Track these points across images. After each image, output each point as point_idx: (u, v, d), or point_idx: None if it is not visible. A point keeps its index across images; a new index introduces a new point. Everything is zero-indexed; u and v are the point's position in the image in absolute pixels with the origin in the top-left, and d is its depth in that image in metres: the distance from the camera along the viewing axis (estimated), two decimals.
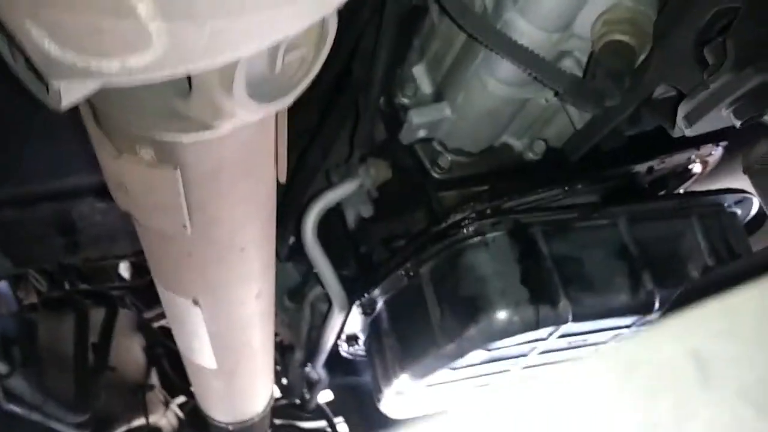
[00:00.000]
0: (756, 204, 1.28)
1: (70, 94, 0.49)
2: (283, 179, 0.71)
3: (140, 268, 2.43)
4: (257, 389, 1.25)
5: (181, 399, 2.15)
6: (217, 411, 1.32)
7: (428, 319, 1.16)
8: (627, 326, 1.18)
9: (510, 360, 1.22)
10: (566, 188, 1.18)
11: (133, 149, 0.61)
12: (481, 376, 1.27)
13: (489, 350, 1.12)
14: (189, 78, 0.50)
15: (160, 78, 0.43)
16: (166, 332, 2.22)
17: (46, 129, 1.13)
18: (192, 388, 1.33)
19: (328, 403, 2.39)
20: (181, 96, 0.52)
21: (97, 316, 1.66)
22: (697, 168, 1.33)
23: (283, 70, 0.51)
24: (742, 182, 1.41)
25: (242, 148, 0.63)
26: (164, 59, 0.41)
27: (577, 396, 0.25)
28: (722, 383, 0.26)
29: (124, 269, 2.44)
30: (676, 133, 0.87)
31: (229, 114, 0.50)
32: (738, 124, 0.74)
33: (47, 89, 0.49)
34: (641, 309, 1.13)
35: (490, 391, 0.27)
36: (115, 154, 0.62)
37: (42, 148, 1.13)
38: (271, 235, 0.81)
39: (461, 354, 1.12)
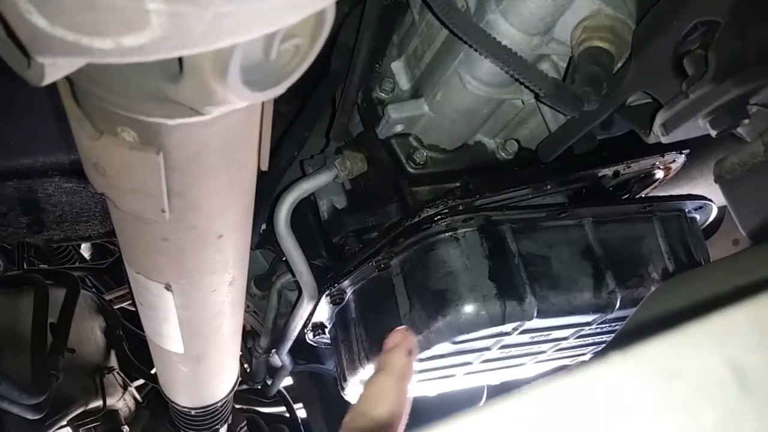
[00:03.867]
0: (714, 210, 1.34)
1: (53, 70, 0.47)
2: (265, 167, 0.71)
3: (101, 248, 2.39)
4: (223, 375, 1.24)
5: (140, 382, 2.12)
6: (181, 396, 1.31)
7: (397, 311, 1.17)
8: (588, 323, 1.22)
9: (473, 353, 1.25)
10: (535, 188, 1.21)
11: (114, 130, 0.60)
12: (444, 368, 1.29)
13: (455, 343, 1.14)
14: (180, 61, 0.49)
15: (154, 59, 0.43)
16: (126, 314, 2.18)
17: (13, 105, 1.10)
18: (156, 372, 1.31)
19: (288, 389, 2.39)
20: (171, 79, 0.51)
21: (56, 295, 1.62)
22: (659, 174, 1.38)
23: (277, 59, 0.51)
24: (700, 189, 1.47)
25: (228, 133, 0.62)
26: (161, 41, 0.41)
27: (611, 404, 0.25)
28: (763, 394, 0.26)
29: (84, 249, 2.39)
30: (651, 140, 0.90)
31: (221, 100, 0.50)
32: (714, 133, 0.77)
33: (28, 63, 0.48)
34: (603, 307, 1.17)
35: (511, 396, 0.27)
36: (95, 135, 0.60)
37: (8, 125, 1.10)
38: (249, 223, 0.80)
39: (428, 346, 1.14)
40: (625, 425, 0.25)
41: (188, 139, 0.60)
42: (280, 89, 0.53)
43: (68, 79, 0.59)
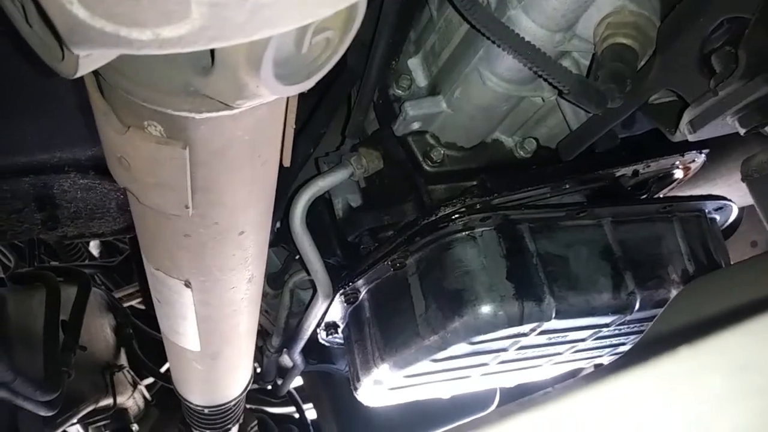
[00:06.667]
0: (734, 211, 1.32)
1: (87, 62, 0.46)
2: (287, 163, 0.70)
3: (110, 246, 2.39)
4: (237, 374, 1.24)
5: (149, 380, 2.12)
6: (195, 394, 1.30)
7: (412, 311, 1.16)
8: (607, 325, 1.21)
9: (490, 354, 1.24)
10: (554, 187, 1.19)
11: (141, 124, 0.59)
12: (459, 368, 1.28)
13: (472, 344, 1.13)
14: (212, 54, 0.48)
15: (191, 50, 0.42)
16: (135, 312, 2.18)
17: (30, 102, 1.09)
18: (165, 371, 1.30)
19: (298, 389, 2.38)
20: (201, 72, 0.50)
21: (67, 293, 1.61)
22: (678, 174, 1.36)
23: (308, 52, 0.50)
24: (718, 190, 1.46)
25: (254, 127, 0.61)
26: (200, 32, 0.40)
27: (685, 393, 0.24)
28: None
29: (93, 247, 2.39)
30: (677, 138, 0.89)
31: (252, 94, 0.49)
32: (743, 132, 0.76)
33: (62, 56, 0.47)
34: (622, 309, 1.16)
35: (585, 380, 0.26)
36: (121, 129, 0.60)
37: (24, 121, 1.09)
38: (269, 220, 0.80)
39: (444, 347, 1.13)
40: (698, 413, 0.24)
41: (215, 133, 0.60)
42: (310, 83, 0.52)
43: (95, 72, 0.58)
